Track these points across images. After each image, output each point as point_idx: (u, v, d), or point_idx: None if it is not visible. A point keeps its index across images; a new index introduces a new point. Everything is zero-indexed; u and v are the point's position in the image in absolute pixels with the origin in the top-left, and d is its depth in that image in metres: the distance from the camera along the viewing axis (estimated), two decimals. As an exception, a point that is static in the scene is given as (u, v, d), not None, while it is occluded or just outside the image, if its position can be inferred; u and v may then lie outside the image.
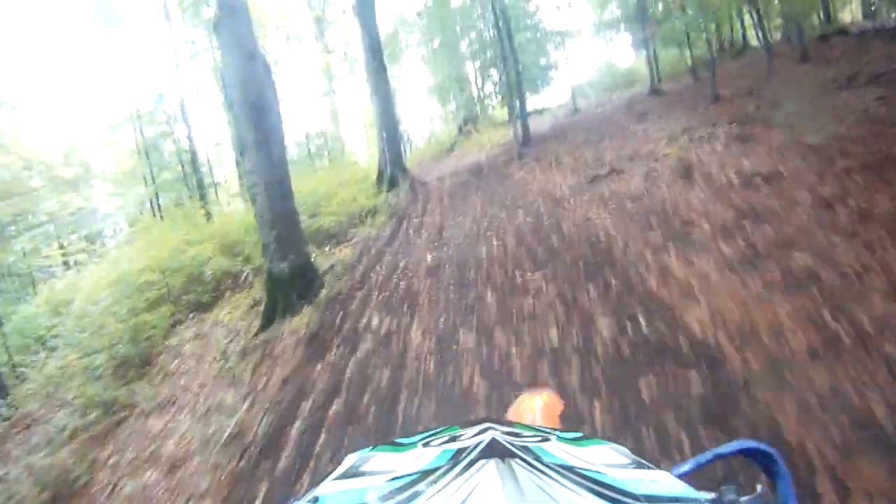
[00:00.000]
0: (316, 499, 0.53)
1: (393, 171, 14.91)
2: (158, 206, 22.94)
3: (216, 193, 24.33)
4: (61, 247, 26.79)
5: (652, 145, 9.78)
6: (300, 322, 7.06)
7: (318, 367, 5.91)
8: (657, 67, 17.98)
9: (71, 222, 28.03)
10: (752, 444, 0.72)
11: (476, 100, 23.53)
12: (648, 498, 0.48)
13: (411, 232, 9.74)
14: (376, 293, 7.14)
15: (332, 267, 8.89)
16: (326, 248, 10.51)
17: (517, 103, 14.93)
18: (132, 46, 24.91)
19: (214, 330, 9.30)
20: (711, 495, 0.57)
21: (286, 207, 8.07)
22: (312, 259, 9.13)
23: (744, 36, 20.96)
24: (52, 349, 12.40)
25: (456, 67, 20.66)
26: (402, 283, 7.25)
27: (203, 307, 10.54)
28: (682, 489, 0.53)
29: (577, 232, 6.69)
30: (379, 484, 0.54)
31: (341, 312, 6.89)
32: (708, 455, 0.76)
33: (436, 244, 8.45)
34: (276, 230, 7.90)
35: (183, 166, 23.04)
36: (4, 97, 24.21)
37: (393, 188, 14.40)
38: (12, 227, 24.67)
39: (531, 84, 20.30)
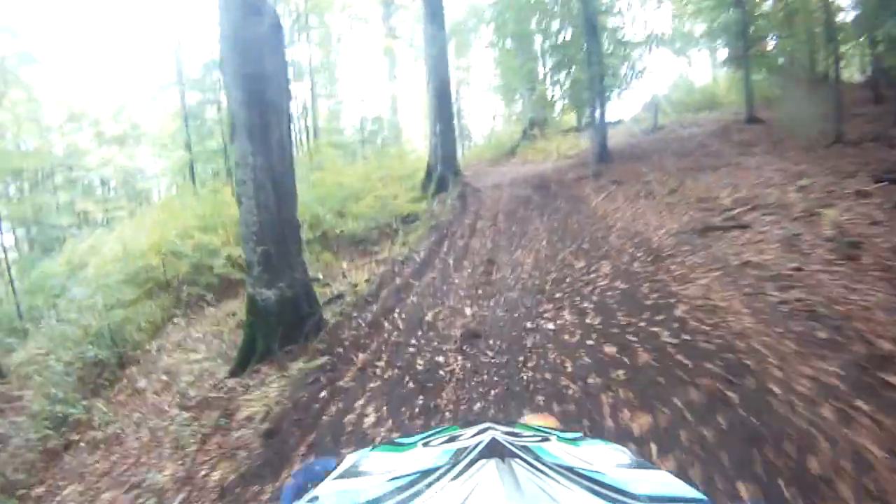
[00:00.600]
0: (315, 498, 0.51)
1: (444, 170, 12.45)
2: (193, 176, 21.35)
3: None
4: (103, 202, 25.70)
5: (776, 192, 7.03)
6: (271, 390, 4.71)
7: (268, 488, 3.53)
8: (752, 92, 14.98)
9: (114, 178, 27.01)
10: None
11: (545, 102, 20.86)
12: (648, 498, 0.46)
13: (451, 261, 7.27)
14: (383, 364, 4.73)
15: (338, 297, 6.53)
16: (344, 263, 8.14)
17: (596, 111, 12.16)
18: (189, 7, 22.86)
19: (198, 345, 7.19)
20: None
21: (283, 217, 5.75)
22: (315, 281, 6.81)
23: (837, 68, 17.46)
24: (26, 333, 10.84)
25: (527, 64, 17.94)
26: (423, 353, 4.79)
27: (201, 305, 8.57)
28: (682, 489, 0.50)
29: (698, 330, 4.02)
30: (379, 484, 0.51)
31: (327, 390, 4.48)
32: None
33: (480, 292, 5.96)
34: (265, 247, 5.56)
35: (224, 137, 21.46)
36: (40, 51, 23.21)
37: (441, 191, 11.96)
38: (53, 179, 23.49)
39: (608, 91, 17.51)
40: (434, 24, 13.13)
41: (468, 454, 0.54)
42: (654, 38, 16.40)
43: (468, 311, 5.49)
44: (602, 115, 12.01)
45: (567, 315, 4.68)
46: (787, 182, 7.30)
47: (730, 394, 3.13)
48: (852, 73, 17.19)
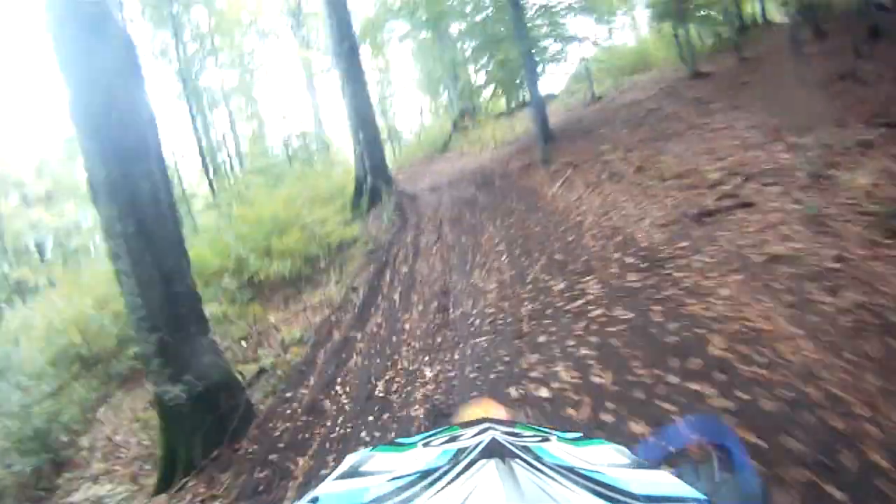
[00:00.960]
0: (316, 499, 0.49)
1: (374, 181, 10.99)
2: None
3: (188, 207, 20.56)
4: (36, 268, 23.42)
5: (764, 154, 5.93)
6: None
7: None
8: (691, 45, 14.11)
9: (49, 239, 24.86)
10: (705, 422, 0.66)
11: (472, 90, 19.59)
12: (648, 498, 0.44)
13: (397, 297, 5.88)
14: (329, 472, 3.28)
15: (263, 374, 5.05)
16: (272, 317, 6.66)
17: (532, 88, 10.87)
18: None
19: (129, 439, 5.72)
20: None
21: (174, 291, 4.29)
22: (243, 343, 5.35)
23: (763, 11, 16.78)
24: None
25: (448, 52, 16.57)
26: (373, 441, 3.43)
27: (136, 377, 7.02)
28: (682, 489, 0.48)
29: (752, 378, 2.71)
30: (379, 484, 0.49)
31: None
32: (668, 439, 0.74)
33: (439, 340, 4.62)
34: (160, 333, 4.11)
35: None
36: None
37: (374, 205, 10.53)
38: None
39: (540, 65, 16.33)
40: (340, 24, 11.63)
41: (468, 454, 0.52)
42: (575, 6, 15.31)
43: (428, 372, 4.12)
44: (536, 91, 10.73)
45: (563, 372, 3.35)
46: (771, 140, 6.19)
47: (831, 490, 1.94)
48: (774, 15, 16.69)
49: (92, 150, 4.18)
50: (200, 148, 19.48)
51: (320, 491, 0.51)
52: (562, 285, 4.58)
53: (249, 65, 24.76)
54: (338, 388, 4.39)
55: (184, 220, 18.16)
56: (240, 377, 5.02)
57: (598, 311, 3.95)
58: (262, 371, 5.13)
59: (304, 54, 25.95)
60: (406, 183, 12.45)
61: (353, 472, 0.57)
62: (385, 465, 0.57)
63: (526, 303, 4.51)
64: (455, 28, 15.94)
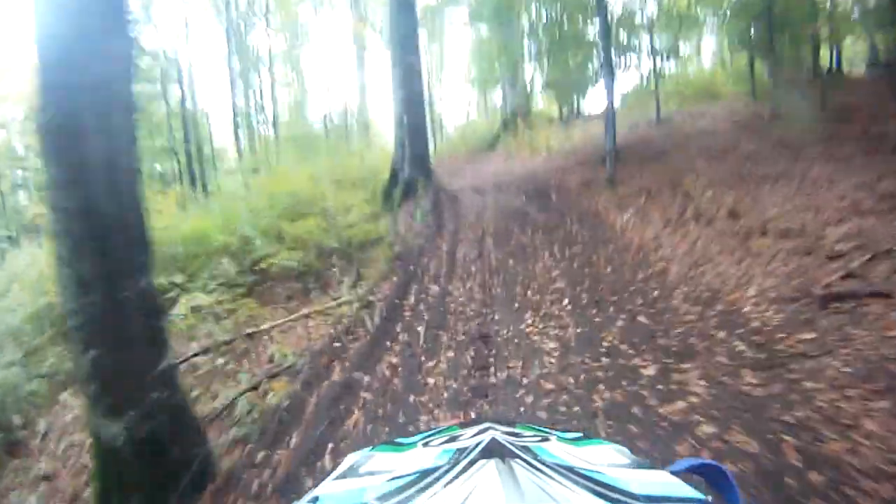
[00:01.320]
0: (316, 499, 0.48)
1: (412, 173, 9.68)
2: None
3: (214, 167, 19.56)
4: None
5: (881, 224, 4.62)
6: None
7: None
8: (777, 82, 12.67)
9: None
10: (700, 461, 0.59)
11: (528, 91, 18.16)
12: (648, 498, 0.43)
13: (422, 329, 4.54)
14: None
15: (234, 408, 3.81)
16: (268, 321, 5.44)
17: (608, 97, 9.38)
18: None
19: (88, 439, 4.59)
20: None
21: (121, 297, 2.97)
22: (211, 376, 4.13)
23: (838, 60, 15.02)
24: None
25: (511, 48, 15.05)
26: None
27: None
28: (682, 489, 0.47)
29: None
30: (379, 484, 0.49)
31: None
32: None
33: (473, 417, 3.26)
34: (97, 351, 2.87)
35: (172, 133, 18.56)
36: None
37: (408, 199, 9.23)
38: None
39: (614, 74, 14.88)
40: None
41: (468, 454, 0.51)
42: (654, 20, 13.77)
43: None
44: (612, 100, 9.26)
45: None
46: (889, 207, 4.80)
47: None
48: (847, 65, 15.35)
49: (46, 84, 2.93)
50: (234, 105, 18.41)
51: (320, 491, 0.50)
52: (652, 370, 3.23)
53: (299, 32, 23.54)
54: (326, 459, 3.11)
55: (208, 178, 17.18)
56: (205, 409, 3.79)
57: (709, 430, 2.61)
58: (233, 404, 3.87)
59: (360, 29, 24.74)
60: (446, 178, 11.12)
61: (353, 472, 0.56)
62: (385, 465, 0.55)
63: (601, 387, 3.16)
64: (524, 21, 14.42)
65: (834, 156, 7.28)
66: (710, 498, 0.46)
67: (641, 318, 3.86)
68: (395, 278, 5.72)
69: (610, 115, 8.70)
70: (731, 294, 4.02)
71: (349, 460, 0.61)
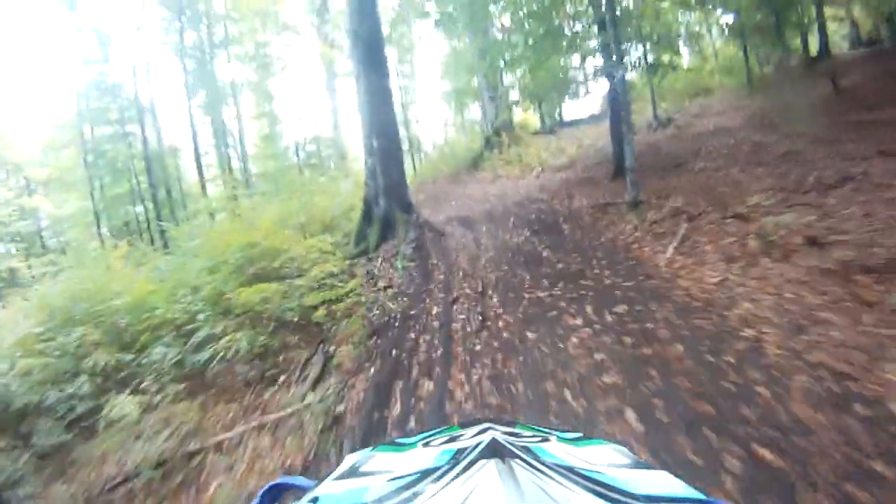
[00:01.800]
0: (316, 499, 0.47)
1: (388, 207, 8.08)
2: (99, 230, 16.98)
3: (184, 207, 17.93)
4: (28, 257, 21.39)
5: None
6: None
7: None
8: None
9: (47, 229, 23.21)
10: None
11: (507, 103, 16.70)
12: (648, 498, 0.43)
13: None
14: None
15: None
16: (208, 434, 3.81)
17: (621, 101, 7.80)
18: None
19: None
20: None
21: None
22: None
23: (826, 41, 13.97)
24: None
25: (489, 54, 13.52)
26: None
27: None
28: (682, 489, 0.47)
29: None
30: (379, 484, 0.48)
31: None
32: None
33: None
34: None
35: (134, 178, 17.04)
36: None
37: (386, 239, 7.67)
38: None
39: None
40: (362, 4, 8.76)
41: (468, 454, 0.51)
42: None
43: None
44: (624, 103, 7.63)
45: None
46: None
47: None
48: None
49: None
50: (195, 143, 16.90)
51: (320, 491, 0.49)
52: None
53: (265, 59, 22.04)
54: None
55: (180, 220, 15.53)
56: None
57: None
58: None
59: (326, 51, 23.35)
60: (429, 207, 9.56)
61: (353, 472, 0.54)
62: (385, 465, 0.54)
63: None
64: (499, 23, 12.91)
65: (886, 151, 5.84)
66: (710, 498, 0.44)
67: (756, 447, 2.27)
68: (372, 369, 4.10)
69: (623, 119, 7.08)
70: (868, 381, 2.49)
71: (349, 460, 0.59)
